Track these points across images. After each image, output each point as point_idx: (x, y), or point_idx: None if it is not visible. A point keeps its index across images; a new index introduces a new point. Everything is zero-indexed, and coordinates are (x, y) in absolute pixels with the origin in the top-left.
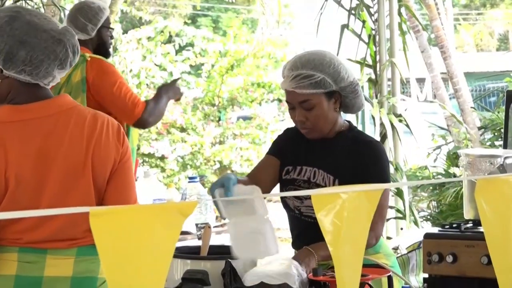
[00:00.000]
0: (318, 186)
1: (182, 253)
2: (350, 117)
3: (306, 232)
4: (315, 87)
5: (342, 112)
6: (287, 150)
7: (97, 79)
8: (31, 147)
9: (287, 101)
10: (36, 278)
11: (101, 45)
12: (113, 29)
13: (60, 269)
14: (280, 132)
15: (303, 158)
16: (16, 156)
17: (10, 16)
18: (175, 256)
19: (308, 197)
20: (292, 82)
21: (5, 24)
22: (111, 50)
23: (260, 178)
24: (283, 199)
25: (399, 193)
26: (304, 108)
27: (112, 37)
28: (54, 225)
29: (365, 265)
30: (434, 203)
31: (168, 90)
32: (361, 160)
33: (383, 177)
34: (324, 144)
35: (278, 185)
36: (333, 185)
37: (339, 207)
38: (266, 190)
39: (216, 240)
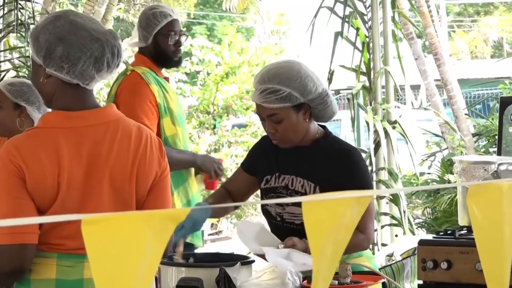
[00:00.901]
0: (296, 193)
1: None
2: (346, 124)
3: None
4: (281, 101)
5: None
6: (262, 161)
7: (122, 93)
8: (82, 154)
9: (257, 113)
10: (76, 281)
11: (159, 53)
12: (174, 33)
13: None
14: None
15: (280, 166)
16: (68, 161)
17: (55, 16)
18: (169, 264)
19: (290, 204)
20: (260, 97)
21: (49, 23)
22: (177, 57)
23: (233, 191)
24: (264, 207)
25: (394, 200)
26: (273, 121)
27: (177, 44)
28: None
29: (359, 272)
30: (429, 210)
31: (205, 158)
32: (339, 169)
33: (364, 185)
34: (301, 152)
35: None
36: (315, 192)
37: (329, 214)
38: (239, 200)
39: (211, 247)
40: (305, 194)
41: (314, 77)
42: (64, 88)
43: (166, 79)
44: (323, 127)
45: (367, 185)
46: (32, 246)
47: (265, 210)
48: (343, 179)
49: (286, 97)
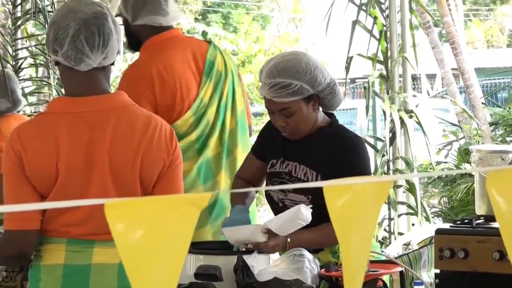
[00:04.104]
0: (299, 180)
1: (195, 248)
2: (361, 113)
3: None
4: (293, 95)
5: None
6: (270, 145)
7: None
8: (82, 139)
9: (266, 107)
10: (84, 266)
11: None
12: None
13: (107, 257)
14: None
15: (285, 151)
16: (68, 147)
17: (63, 3)
18: (188, 252)
19: (292, 190)
20: (270, 92)
21: (54, 14)
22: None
23: (248, 178)
24: (268, 192)
25: (410, 188)
26: (284, 115)
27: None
28: (101, 219)
29: (377, 261)
30: (445, 199)
31: None
32: (341, 156)
33: (364, 173)
34: (306, 140)
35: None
36: (316, 180)
37: (350, 199)
38: (256, 185)
39: None
40: (307, 182)
41: (321, 68)
42: (67, 73)
43: None
44: (331, 115)
45: (365, 173)
46: (34, 232)
47: (268, 195)
48: (342, 167)
49: (298, 90)
